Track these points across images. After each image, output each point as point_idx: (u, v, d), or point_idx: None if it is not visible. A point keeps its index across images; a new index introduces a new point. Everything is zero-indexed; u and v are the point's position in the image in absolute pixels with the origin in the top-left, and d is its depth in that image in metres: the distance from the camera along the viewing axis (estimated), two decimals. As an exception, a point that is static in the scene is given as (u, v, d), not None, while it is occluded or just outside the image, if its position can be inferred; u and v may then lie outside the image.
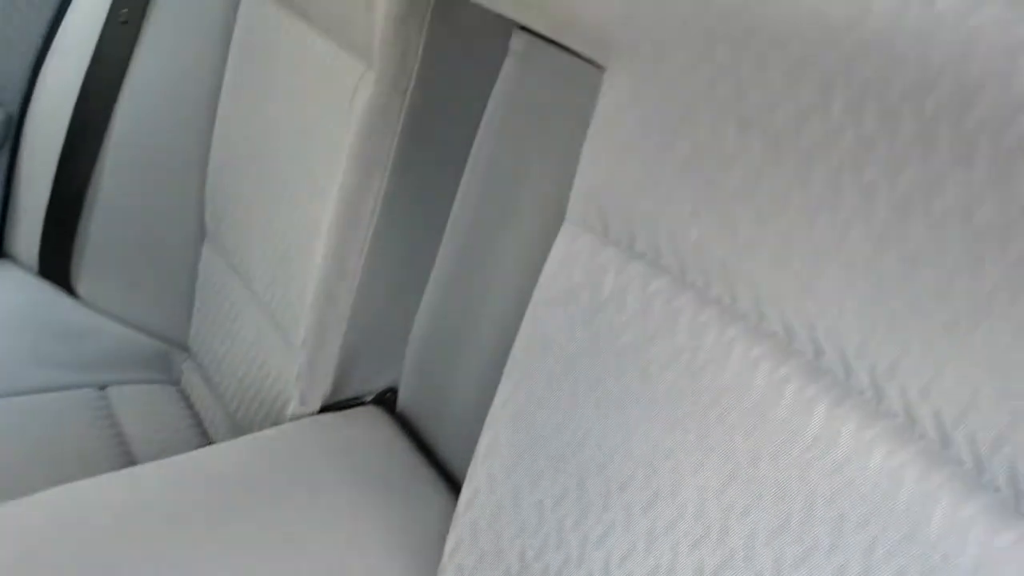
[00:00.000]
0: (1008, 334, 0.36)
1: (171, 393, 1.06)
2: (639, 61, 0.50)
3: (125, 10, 0.98)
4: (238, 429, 0.96)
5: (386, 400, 0.84)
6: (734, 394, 0.46)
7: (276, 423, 0.86)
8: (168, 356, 1.07)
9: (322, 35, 0.84)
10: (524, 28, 0.72)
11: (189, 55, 0.98)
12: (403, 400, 0.83)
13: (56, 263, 1.07)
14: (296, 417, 0.81)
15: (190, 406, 1.04)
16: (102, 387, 1.03)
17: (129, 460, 0.95)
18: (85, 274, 1.07)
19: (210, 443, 0.99)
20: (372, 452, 0.77)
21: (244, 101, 0.95)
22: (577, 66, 0.67)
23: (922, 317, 0.39)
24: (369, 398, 0.84)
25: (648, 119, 0.49)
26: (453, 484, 0.74)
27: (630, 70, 0.50)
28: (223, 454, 0.75)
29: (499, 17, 0.71)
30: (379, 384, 0.83)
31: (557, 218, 0.69)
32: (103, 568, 0.62)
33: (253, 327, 0.94)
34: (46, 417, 0.96)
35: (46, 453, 0.91)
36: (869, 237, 0.41)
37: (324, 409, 0.81)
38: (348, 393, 0.82)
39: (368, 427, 0.80)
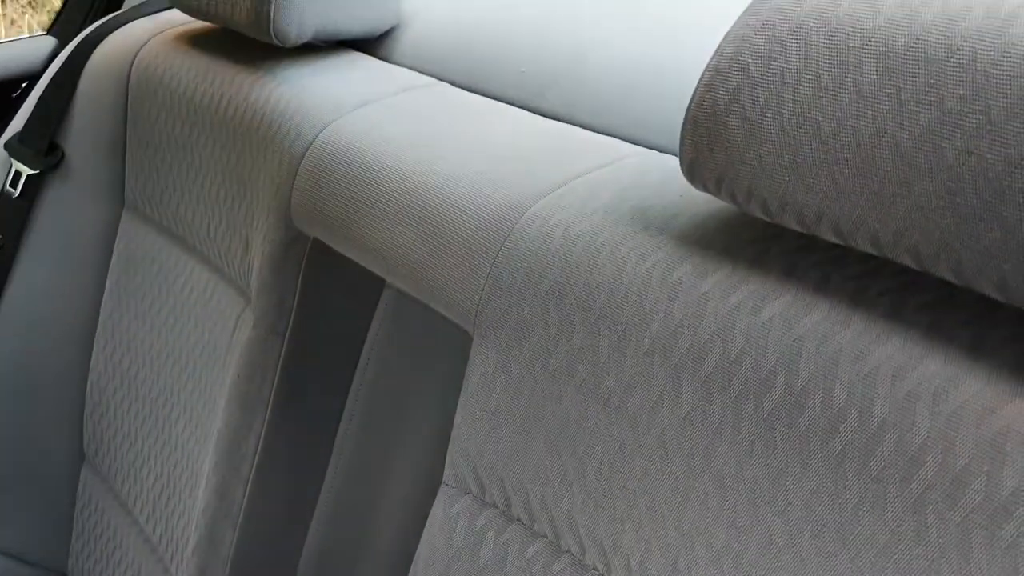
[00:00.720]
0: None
1: (48, 627, 1.00)
2: (504, 335, 0.52)
3: (1, 235, 0.97)
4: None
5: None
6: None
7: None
8: (45, 586, 1.02)
9: (203, 266, 0.84)
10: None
11: (66, 282, 0.97)
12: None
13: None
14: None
15: (68, 640, 0.99)
16: (-29, 627, 0.97)
17: None
18: (-44, 503, 1.01)
19: None
20: None
21: (123, 328, 0.94)
22: (448, 324, 0.69)
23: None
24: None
25: (517, 390, 0.51)
26: None
27: (495, 342, 0.52)
28: None
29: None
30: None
31: (435, 475, 0.70)
32: None
33: (135, 561, 0.90)
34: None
35: None
36: (727, 522, 0.43)
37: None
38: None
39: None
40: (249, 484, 0.74)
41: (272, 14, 0.72)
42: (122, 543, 0.92)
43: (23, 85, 1.03)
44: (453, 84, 0.74)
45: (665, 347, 0.45)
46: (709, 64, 0.43)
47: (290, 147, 0.69)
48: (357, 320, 0.74)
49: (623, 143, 0.62)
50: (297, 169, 0.68)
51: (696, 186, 0.45)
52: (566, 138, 0.63)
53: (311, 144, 0.68)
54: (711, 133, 0.42)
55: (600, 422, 0.48)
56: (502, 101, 0.70)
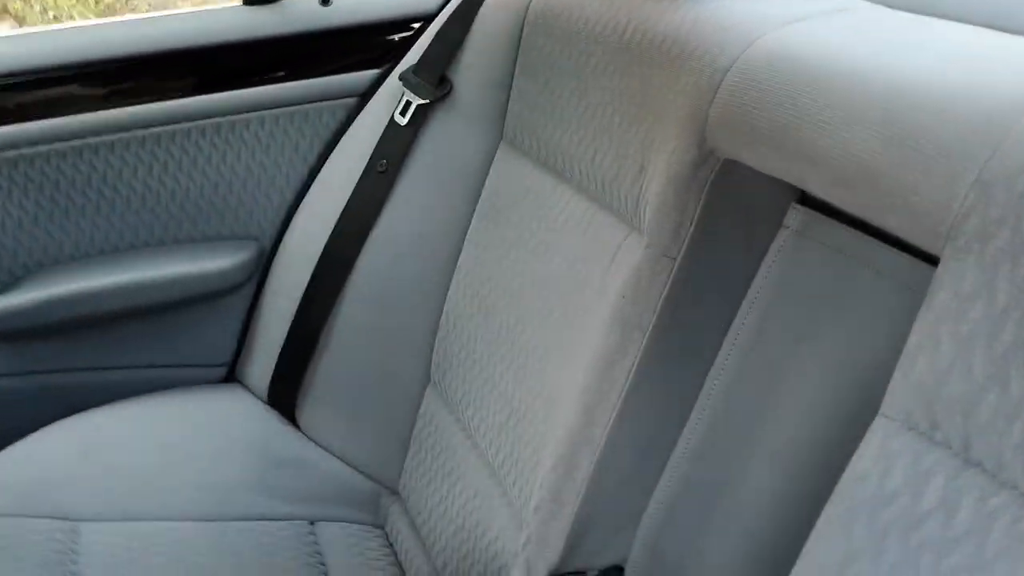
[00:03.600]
0: None
1: (376, 536, 1.04)
2: (992, 251, 0.45)
3: (384, 160, 1.03)
4: (443, 583, 0.92)
5: (611, 577, 0.79)
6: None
7: (491, 585, 0.83)
8: (377, 498, 1.07)
9: (580, 195, 0.84)
10: (803, 202, 0.69)
11: (438, 206, 1.01)
12: (631, 580, 0.77)
13: (284, 394, 1.10)
14: (519, 583, 0.77)
15: (393, 552, 1.02)
16: (312, 522, 1.03)
17: (332, 601, 0.93)
18: (309, 408, 1.09)
19: (411, 593, 0.97)
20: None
21: (486, 256, 0.96)
22: (862, 244, 0.63)
23: None
24: (593, 573, 0.79)
25: (1002, 314, 0.44)
26: None
27: (979, 258, 0.46)
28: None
29: (778, 189, 0.69)
30: (606, 559, 0.78)
31: (823, 408, 0.65)
32: None
33: (472, 483, 0.91)
34: (259, 545, 0.96)
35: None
36: None
37: (548, 579, 0.77)
38: (573, 566, 0.78)
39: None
40: (615, 411, 0.72)
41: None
42: (459, 465, 0.94)
43: (415, 26, 1.09)
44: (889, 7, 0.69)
45: None
46: None
47: (711, 64, 0.67)
48: (750, 253, 0.70)
49: None
50: (719, 85, 0.65)
51: None
52: None
53: (736, 60, 0.65)
54: None
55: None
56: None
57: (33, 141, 1.01)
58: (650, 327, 0.71)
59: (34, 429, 1.04)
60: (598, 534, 0.77)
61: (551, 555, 0.76)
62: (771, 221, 0.70)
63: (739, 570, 0.69)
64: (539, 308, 0.85)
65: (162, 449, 1.03)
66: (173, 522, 0.96)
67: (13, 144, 1.01)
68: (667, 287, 0.70)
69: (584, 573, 0.78)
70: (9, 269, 1.05)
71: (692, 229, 0.69)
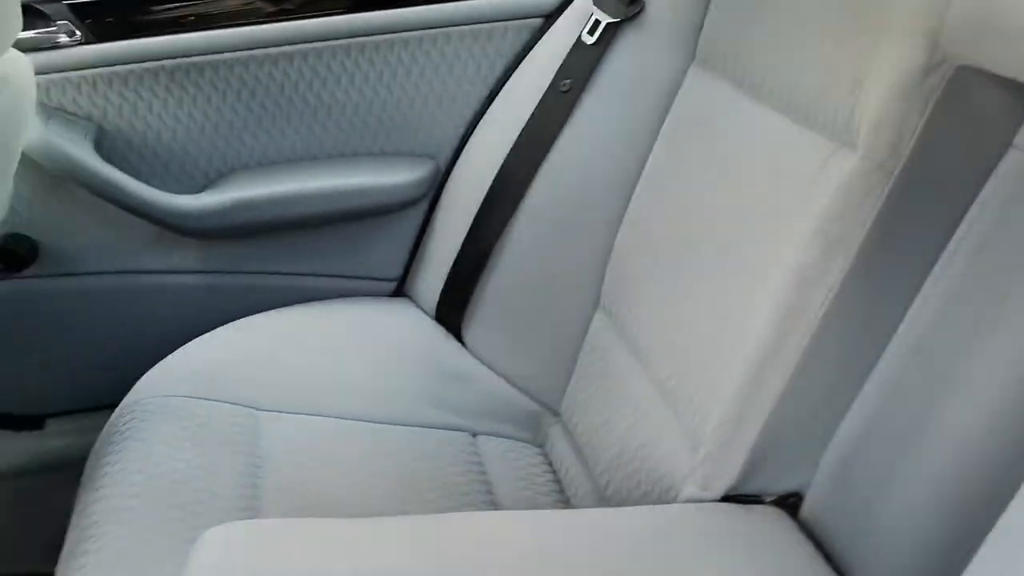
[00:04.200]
0: None
1: (536, 454, 1.05)
2: None
3: (568, 80, 1.02)
4: (604, 502, 0.92)
5: (787, 505, 0.77)
6: None
7: (657, 503, 0.82)
8: (539, 417, 1.07)
9: (780, 113, 0.81)
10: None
11: (621, 128, 1.00)
12: (811, 509, 0.75)
13: (451, 311, 1.12)
14: (691, 501, 0.76)
15: (552, 470, 1.03)
16: (474, 435, 1.05)
17: (494, 507, 0.94)
18: (476, 326, 1.10)
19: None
20: (779, 554, 0.70)
21: (670, 177, 0.94)
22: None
23: None
24: (769, 499, 0.77)
25: None
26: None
27: None
28: (620, 517, 0.71)
29: (1011, 104, 0.65)
30: (785, 485, 0.76)
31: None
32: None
33: (640, 405, 0.91)
34: (424, 450, 0.98)
35: (418, 482, 0.93)
36: None
37: (724, 499, 0.76)
38: (750, 488, 0.76)
39: (773, 528, 0.73)
40: (812, 330, 0.70)
41: None
42: (626, 388, 0.94)
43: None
44: None
45: None
46: None
47: None
48: (973, 173, 0.66)
49: None
50: None
51: None
52: None
53: (982, -43, 0.61)
54: None
55: None
56: None
57: (233, 47, 1.05)
58: (857, 245, 0.68)
59: (218, 324, 1.10)
60: (780, 457, 0.75)
61: (730, 474, 0.75)
62: (1000, 139, 0.66)
63: (930, 514, 0.66)
64: (727, 228, 0.83)
65: (334, 353, 1.07)
66: (344, 420, 0.99)
67: (214, 49, 1.05)
68: (880, 203, 0.67)
69: (760, 499, 0.77)
70: (205, 172, 1.10)
71: (913, 142, 0.65)
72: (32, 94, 0.81)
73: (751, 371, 0.73)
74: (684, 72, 0.97)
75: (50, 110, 1.03)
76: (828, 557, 0.71)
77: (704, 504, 0.74)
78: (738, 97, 0.87)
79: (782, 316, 0.71)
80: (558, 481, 1.01)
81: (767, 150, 0.81)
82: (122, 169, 1.05)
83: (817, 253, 0.70)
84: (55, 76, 1.02)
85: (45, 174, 1.03)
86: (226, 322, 1.10)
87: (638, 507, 0.74)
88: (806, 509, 0.76)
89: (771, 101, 0.83)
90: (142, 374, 1.03)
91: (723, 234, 0.83)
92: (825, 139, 0.74)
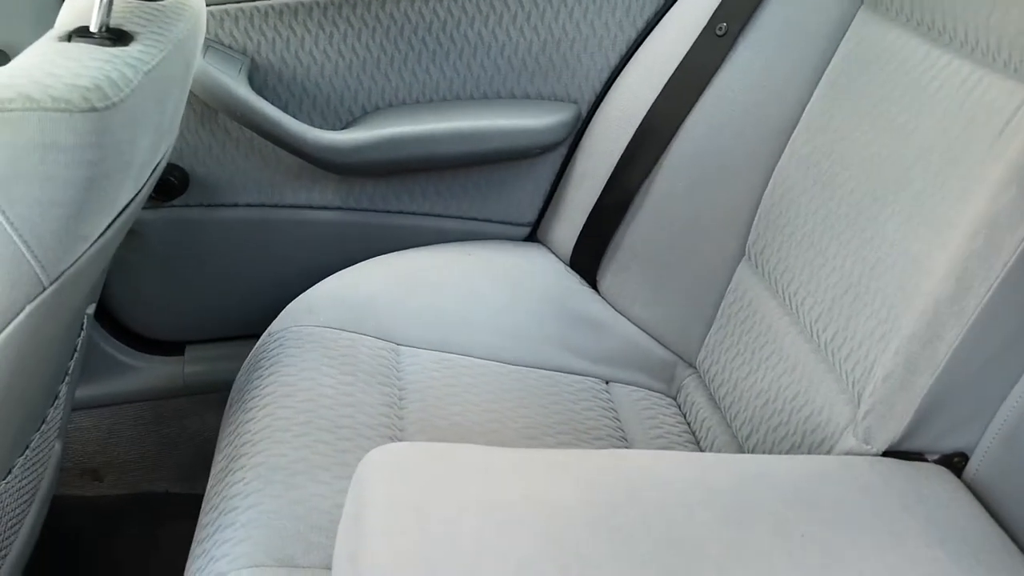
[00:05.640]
0: None
1: (669, 404, 1.04)
2: None
3: (724, 24, 0.99)
4: (743, 452, 0.91)
5: (952, 465, 0.74)
6: None
7: (808, 455, 0.80)
8: (673, 368, 1.06)
9: (962, 59, 0.77)
10: None
11: (778, 74, 0.97)
12: (979, 470, 0.72)
13: (586, 257, 1.11)
14: (852, 454, 0.74)
15: (686, 421, 1.02)
16: (607, 381, 1.04)
17: (629, 453, 0.94)
18: (612, 273, 1.09)
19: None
20: (947, 510, 0.67)
21: (831, 126, 0.91)
22: None
23: None
24: (933, 457, 0.74)
25: None
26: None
27: None
28: (780, 464, 0.70)
29: None
30: (951, 444, 0.74)
31: None
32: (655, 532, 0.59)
33: (790, 356, 0.88)
34: (557, 393, 0.98)
35: (552, 423, 0.93)
36: None
37: (885, 455, 0.74)
38: (914, 445, 0.74)
39: (939, 485, 0.70)
40: (997, 281, 0.67)
41: None
42: (774, 339, 0.92)
43: None
44: None
45: None
46: None
47: None
48: None
49: None
50: None
51: None
52: None
53: None
54: None
55: None
56: None
57: (383, -16, 1.06)
58: (1055, 192, 0.64)
59: (354, 261, 1.12)
60: (949, 414, 0.72)
61: (895, 428, 0.72)
62: None
63: None
64: (898, 177, 0.80)
65: (470, 293, 1.07)
66: (479, 359, 1.00)
67: (364, -14, 1.06)
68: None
69: (922, 456, 0.74)
70: (349, 109, 1.11)
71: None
72: (203, 22, 0.83)
73: (927, 321, 0.70)
74: (849, 16, 0.93)
75: (208, 41, 1.05)
76: (995, 518, 0.69)
77: (866, 458, 0.72)
78: (915, 42, 0.83)
79: (966, 265, 0.68)
80: (692, 432, 1.00)
81: (948, 97, 0.77)
82: (271, 103, 1.07)
83: (1009, 198, 0.66)
84: (214, 8, 1.03)
85: (199, 105, 1.05)
86: (362, 259, 1.11)
87: (796, 455, 0.73)
88: (972, 469, 0.73)
89: (954, 45, 0.79)
90: (279, 306, 1.06)
91: (892, 185, 0.80)
92: (1019, 83, 0.71)
